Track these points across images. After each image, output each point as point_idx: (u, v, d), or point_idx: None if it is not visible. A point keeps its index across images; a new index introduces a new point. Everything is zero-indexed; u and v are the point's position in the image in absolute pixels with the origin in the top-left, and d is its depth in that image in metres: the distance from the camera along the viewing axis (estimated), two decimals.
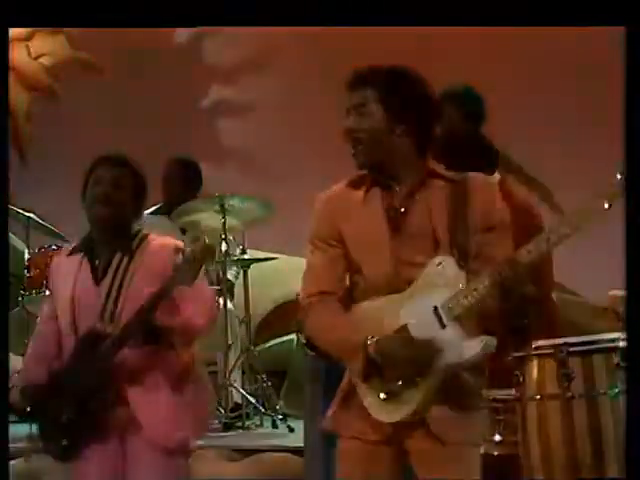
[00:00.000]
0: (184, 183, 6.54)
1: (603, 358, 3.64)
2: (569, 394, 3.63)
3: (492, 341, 2.99)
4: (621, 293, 4.51)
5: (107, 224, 3.70)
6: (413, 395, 2.98)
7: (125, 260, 3.67)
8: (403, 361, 2.98)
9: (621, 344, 3.58)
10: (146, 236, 3.75)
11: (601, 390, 3.62)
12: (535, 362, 3.68)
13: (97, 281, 3.68)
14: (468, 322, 2.98)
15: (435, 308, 2.99)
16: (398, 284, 3.06)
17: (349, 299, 3.16)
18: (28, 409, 3.72)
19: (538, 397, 3.68)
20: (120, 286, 3.64)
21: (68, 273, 3.73)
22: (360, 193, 3.16)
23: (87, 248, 3.75)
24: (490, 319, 3.01)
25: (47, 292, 3.92)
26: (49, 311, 3.82)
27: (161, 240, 3.78)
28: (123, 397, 3.61)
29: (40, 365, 3.75)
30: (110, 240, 3.71)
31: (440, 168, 3.17)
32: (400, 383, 2.99)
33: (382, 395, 3.02)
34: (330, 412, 3.20)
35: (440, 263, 3.01)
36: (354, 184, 3.20)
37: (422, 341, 2.98)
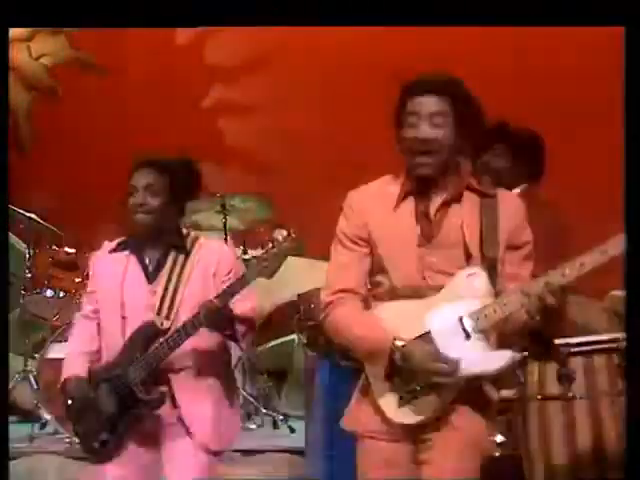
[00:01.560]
0: None
1: (604, 358, 3.65)
2: (570, 394, 3.64)
3: (518, 357, 3.05)
4: (621, 293, 4.51)
5: (151, 231, 3.69)
6: (430, 401, 2.99)
7: (180, 259, 3.69)
8: (426, 371, 2.97)
9: (622, 344, 3.59)
10: (197, 237, 3.76)
11: (602, 390, 3.63)
12: (536, 362, 3.68)
13: (149, 279, 3.68)
14: (493, 335, 2.99)
15: (461, 318, 2.99)
16: (423, 290, 3.06)
17: (371, 298, 3.17)
18: (69, 402, 3.70)
19: (539, 397, 3.69)
20: (177, 284, 3.65)
21: (114, 271, 3.72)
22: (394, 195, 3.14)
23: (134, 246, 3.74)
24: (516, 334, 3.03)
25: (88, 289, 3.88)
26: (91, 308, 3.80)
27: (213, 242, 3.83)
28: (172, 395, 3.60)
29: (83, 360, 3.74)
30: (159, 240, 3.71)
31: (476, 183, 3.16)
32: (418, 388, 2.99)
33: (399, 397, 3.02)
34: (347, 411, 3.20)
35: (471, 275, 3.02)
36: (388, 185, 3.18)
37: (447, 356, 2.97)
